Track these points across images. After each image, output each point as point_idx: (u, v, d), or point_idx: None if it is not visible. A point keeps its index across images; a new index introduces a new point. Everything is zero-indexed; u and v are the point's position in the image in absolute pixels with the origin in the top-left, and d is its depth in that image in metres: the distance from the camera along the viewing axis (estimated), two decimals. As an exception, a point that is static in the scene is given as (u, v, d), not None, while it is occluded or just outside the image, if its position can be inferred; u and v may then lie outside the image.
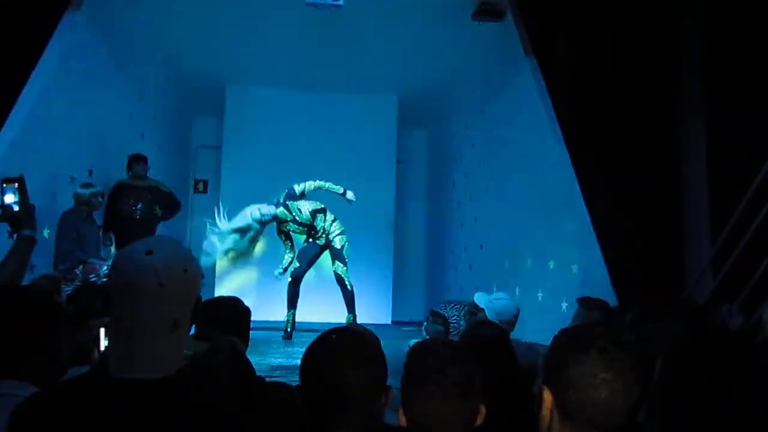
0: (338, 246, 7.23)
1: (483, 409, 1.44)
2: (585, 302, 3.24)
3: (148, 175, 6.40)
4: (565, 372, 1.14)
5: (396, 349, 2.37)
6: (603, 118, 5.83)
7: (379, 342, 1.52)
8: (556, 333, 1.25)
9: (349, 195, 7.23)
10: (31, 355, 1.59)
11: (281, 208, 7.02)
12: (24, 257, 2.09)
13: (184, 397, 1.17)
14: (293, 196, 7.09)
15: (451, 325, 6.42)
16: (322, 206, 7.31)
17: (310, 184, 7.14)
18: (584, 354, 1.13)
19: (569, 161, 5.85)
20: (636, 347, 1.17)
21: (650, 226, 5.72)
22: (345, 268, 7.23)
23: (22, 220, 2.10)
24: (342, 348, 1.45)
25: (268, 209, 6.85)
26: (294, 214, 7.09)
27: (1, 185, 2.11)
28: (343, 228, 7.35)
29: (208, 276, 9.48)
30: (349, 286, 7.23)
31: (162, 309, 1.18)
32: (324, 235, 7.24)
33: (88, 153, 6.29)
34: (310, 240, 7.31)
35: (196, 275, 1.28)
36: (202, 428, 1.14)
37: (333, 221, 7.30)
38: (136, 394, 1.14)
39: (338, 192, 7.23)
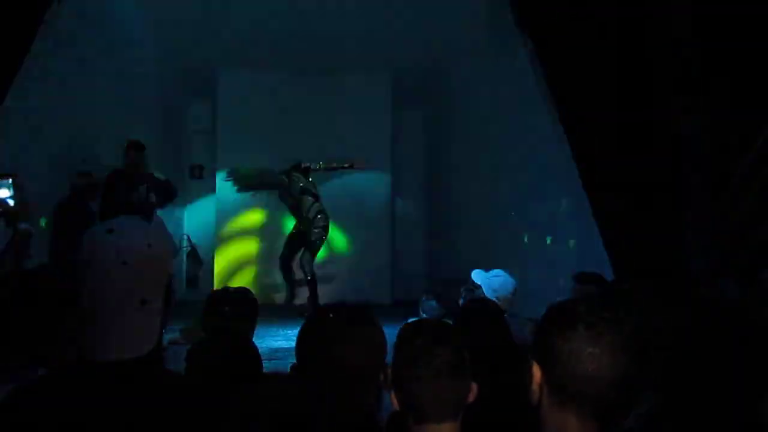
0: (312, 238, 7.69)
1: (474, 387, 1.44)
2: (580, 277, 3.25)
3: (144, 162, 6.36)
4: (552, 348, 1.15)
5: (396, 328, 2.38)
6: (598, 89, 5.80)
7: (377, 319, 1.50)
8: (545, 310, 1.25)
9: (358, 164, 7.87)
10: (46, 337, 1.58)
11: (283, 175, 8.07)
12: (21, 250, 2.11)
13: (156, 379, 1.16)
14: (297, 168, 7.96)
15: (451, 302, 6.45)
16: (315, 193, 7.61)
17: (318, 164, 7.96)
18: (571, 329, 1.14)
19: (564, 135, 5.83)
20: (624, 319, 1.17)
21: (647, 198, 5.72)
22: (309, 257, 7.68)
23: (17, 214, 2.12)
24: (339, 325, 1.43)
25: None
26: (290, 183, 7.94)
27: None
28: (324, 224, 7.80)
29: (209, 261, 9.53)
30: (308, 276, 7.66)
31: (127, 287, 1.14)
32: (305, 220, 7.73)
33: (82, 142, 6.26)
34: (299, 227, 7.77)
35: (163, 251, 1.23)
36: (173, 415, 1.12)
37: (318, 213, 7.51)
38: (105, 378, 1.11)
39: (346, 166, 8.01)
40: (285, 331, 6.02)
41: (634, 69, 5.91)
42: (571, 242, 5.65)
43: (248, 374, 2.04)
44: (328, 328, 1.44)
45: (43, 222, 5.25)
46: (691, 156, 6.27)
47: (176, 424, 1.10)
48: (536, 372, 1.19)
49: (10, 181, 2.11)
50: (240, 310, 2.57)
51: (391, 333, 1.50)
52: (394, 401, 1.44)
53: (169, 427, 1.09)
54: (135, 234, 1.19)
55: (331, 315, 1.47)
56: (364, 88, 9.43)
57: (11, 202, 2.11)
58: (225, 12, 7.52)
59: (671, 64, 6.38)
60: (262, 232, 9.39)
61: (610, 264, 5.09)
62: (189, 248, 9.72)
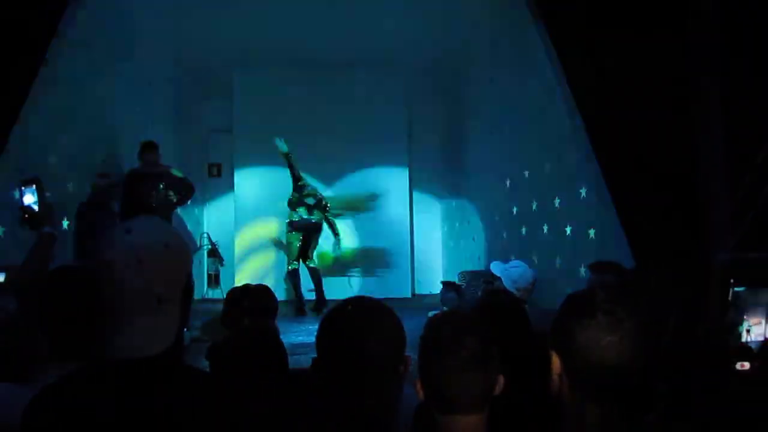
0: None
1: (501, 379, 1.42)
2: (596, 267, 3.22)
3: (160, 161, 6.43)
4: (572, 337, 1.14)
5: (416, 321, 2.39)
6: (615, 78, 5.73)
7: (394, 312, 1.50)
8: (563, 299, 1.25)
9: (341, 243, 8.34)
10: (87, 333, 1.59)
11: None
12: (46, 253, 2.15)
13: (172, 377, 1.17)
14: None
15: (470, 294, 6.44)
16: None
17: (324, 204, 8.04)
18: (590, 318, 1.13)
19: (582, 124, 5.78)
20: (642, 308, 1.17)
21: (667, 185, 5.66)
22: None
23: (41, 218, 2.16)
24: (358, 318, 1.44)
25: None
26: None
27: (20, 187, 2.18)
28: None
29: (229, 259, 9.60)
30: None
31: (143, 286, 1.16)
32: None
33: (101, 143, 6.34)
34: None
35: (181, 251, 1.25)
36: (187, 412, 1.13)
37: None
38: (125, 376, 1.13)
39: (336, 231, 8.25)
40: (306, 326, 6.05)
41: (652, 50, 5.83)
42: (591, 231, 5.60)
43: (275, 369, 2.06)
44: (348, 320, 1.45)
45: (65, 224, 5.32)
46: (711, 142, 6.18)
47: (201, 421, 1.12)
48: (556, 361, 1.18)
49: (34, 187, 2.16)
50: (260, 305, 2.59)
51: (410, 325, 1.50)
52: (420, 392, 1.44)
53: (194, 424, 1.11)
54: (152, 234, 1.21)
55: (350, 308, 1.48)
56: (380, 84, 9.41)
57: (36, 207, 2.15)
58: (239, 12, 7.55)
59: (689, 51, 6.29)
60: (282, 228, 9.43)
61: (630, 252, 5.03)
62: (209, 246, 9.79)
